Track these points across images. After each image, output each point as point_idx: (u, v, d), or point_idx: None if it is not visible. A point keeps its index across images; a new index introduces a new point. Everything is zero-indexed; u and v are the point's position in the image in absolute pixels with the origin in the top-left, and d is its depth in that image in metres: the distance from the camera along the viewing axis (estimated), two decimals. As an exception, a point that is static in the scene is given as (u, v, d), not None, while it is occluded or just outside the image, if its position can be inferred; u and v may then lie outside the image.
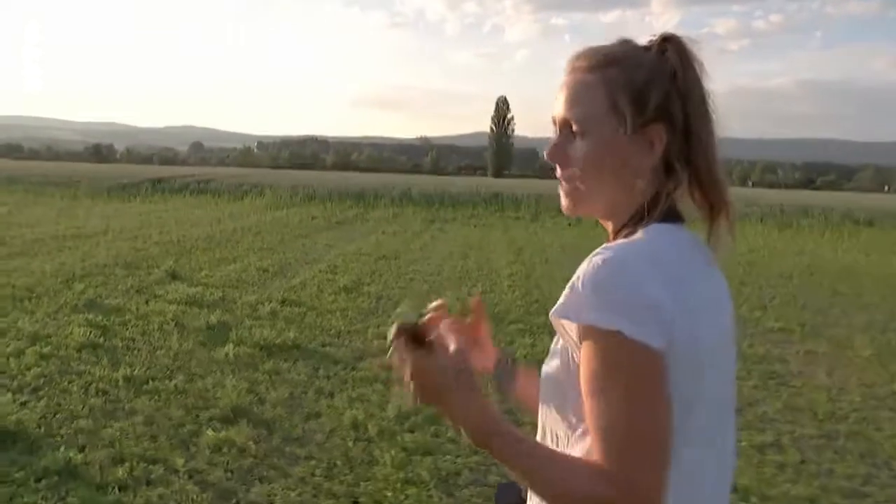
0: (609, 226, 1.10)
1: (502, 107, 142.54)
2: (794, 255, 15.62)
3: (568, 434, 1.01)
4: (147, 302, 7.50)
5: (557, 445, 1.03)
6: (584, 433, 0.96)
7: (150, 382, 4.92)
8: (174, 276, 9.14)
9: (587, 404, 0.91)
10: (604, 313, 0.89)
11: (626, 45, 1.06)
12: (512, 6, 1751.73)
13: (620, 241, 1.00)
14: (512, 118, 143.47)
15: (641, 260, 0.93)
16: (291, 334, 6.30)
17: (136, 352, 5.68)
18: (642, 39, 1.07)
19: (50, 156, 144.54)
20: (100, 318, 6.52)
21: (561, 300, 0.96)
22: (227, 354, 5.64)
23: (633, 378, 0.88)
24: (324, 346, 6.20)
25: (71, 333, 5.93)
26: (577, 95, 1.05)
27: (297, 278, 9.58)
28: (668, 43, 1.04)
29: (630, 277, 0.91)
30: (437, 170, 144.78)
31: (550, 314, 0.98)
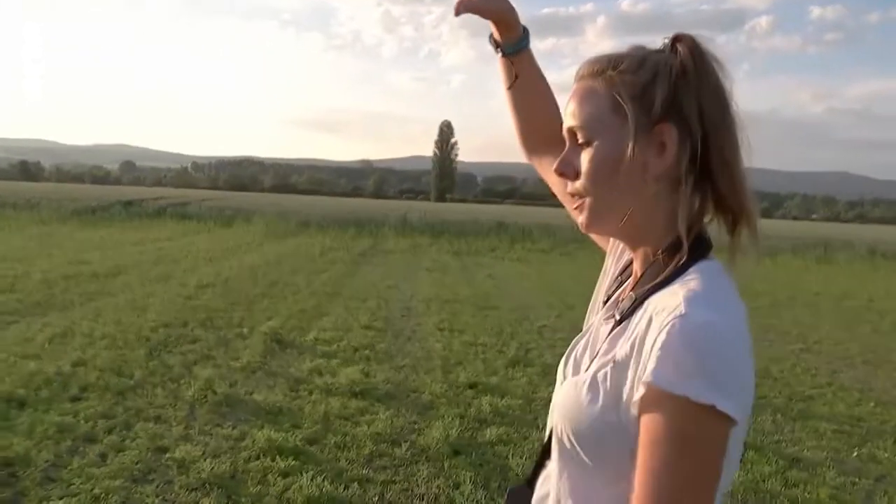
0: (634, 250, 1.03)
1: (446, 131, 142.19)
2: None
3: (597, 488, 0.95)
4: (296, 393, 5.22)
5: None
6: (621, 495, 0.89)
7: None
8: (281, 343, 6.84)
9: (644, 472, 0.84)
10: (701, 385, 0.80)
11: (635, 49, 0.99)
12: (448, 31, 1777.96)
13: (695, 288, 0.88)
14: (455, 143, 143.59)
15: (733, 327, 0.86)
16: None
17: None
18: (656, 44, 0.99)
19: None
20: (274, 433, 4.24)
21: (654, 362, 0.83)
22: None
23: (711, 454, 0.83)
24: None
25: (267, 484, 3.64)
26: (581, 102, 0.99)
27: (434, 342, 7.38)
28: (679, 41, 0.97)
29: (730, 348, 0.83)
30: (379, 193, 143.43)
31: (648, 381, 0.83)
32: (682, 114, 0.93)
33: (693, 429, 0.81)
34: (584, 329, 1.11)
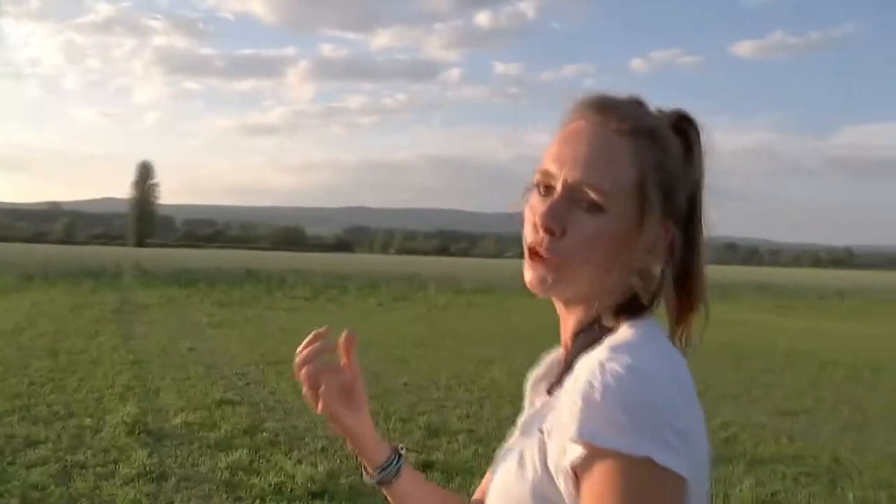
0: (572, 312, 0.90)
1: (145, 172, 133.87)
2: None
3: None
4: (245, 503, 4.06)
5: None
6: None
7: None
8: (151, 433, 5.46)
9: None
10: (633, 437, 0.70)
11: (648, 113, 0.88)
12: (141, 67, 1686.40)
13: (621, 339, 0.81)
14: (156, 184, 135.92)
15: (666, 373, 0.76)
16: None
17: None
18: (650, 106, 0.89)
19: None
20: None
21: (577, 417, 0.73)
22: None
23: None
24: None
25: None
26: (604, 160, 0.84)
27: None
28: (687, 125, 0.88)
29: (661, 394, 0.73)
30: (69, 238, 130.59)
31: (573, 438, 0.73)
32: (679, 213, 0.86)
33: (635, 485, 0.70)
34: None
